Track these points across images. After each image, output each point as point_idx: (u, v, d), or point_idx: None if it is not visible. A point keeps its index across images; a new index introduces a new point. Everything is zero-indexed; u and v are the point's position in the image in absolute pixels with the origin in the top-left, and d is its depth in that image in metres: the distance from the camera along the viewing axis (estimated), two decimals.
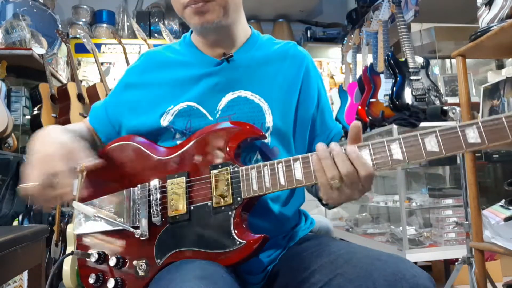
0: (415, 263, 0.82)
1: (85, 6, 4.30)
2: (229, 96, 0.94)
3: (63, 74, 3.50)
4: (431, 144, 0.69)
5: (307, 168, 0.76)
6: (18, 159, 2.60)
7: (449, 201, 2.40)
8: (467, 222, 1.74)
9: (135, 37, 3.92)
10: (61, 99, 2.90)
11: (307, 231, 1.01)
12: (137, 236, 0.85)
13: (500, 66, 3.19)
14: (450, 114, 1.67)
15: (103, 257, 0.89)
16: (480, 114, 1.94)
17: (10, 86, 2.74)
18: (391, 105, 2.44)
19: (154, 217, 0.86)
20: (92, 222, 0.93)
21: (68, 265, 2.37)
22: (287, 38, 4.46)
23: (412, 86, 2.41)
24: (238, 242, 0.78)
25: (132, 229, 0.86)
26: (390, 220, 3.01)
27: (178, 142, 0.93)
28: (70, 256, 1.69)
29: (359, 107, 2.85)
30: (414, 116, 2.38)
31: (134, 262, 0.85)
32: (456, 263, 1.79)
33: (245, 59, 0.97)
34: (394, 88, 2.45)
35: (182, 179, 0.85)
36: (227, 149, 0.84)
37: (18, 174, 2.56)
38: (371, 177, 0.71)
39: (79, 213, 0.95)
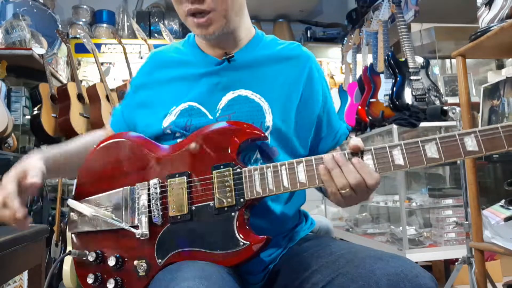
0: (416, 263, 0.83)
1: (85, 6, 4.30)
2: (230, 95, 0.94)
3: (63, 74, 3.50)
4: (432, 151, 0.72)
5: (311, 172, 0.77)
6: (18, 159, 2.60)
7: (449, 201, 2.40)
8: (467, 222, 1.74)
9: (135, 37, 3.92)
10: (61, 99, 2.90)
11: (308, 231, 1.01)
12: (137, 237, 0.85)
13: (500, 66, 3.19)
14: (450, 114, 1.67)
15: (101, 257, 0.87)
16: (480, 114, 1.94)
17: (10, 86, 2.75)
18: (391, 105, 2.44)
19: (154, 217, 0.85)
20: (89, 221, 0.91)
21: (68, 265, 2.37)
22: (287, 38, 4.46)
23: (412, 86, 2.41)
24: (241, 243, 0.78)
25: (132, 229, 0.85)
26: (390, 220, 3.01)
27: (178, 140, 0.93)
28: (70, 256, 1.69)
29: (359, 107, 2.85)
30: (414, 116, 2.38)
31: (135, 262, 0.84)
32: (456, 263, 1.79)
33: (246, 59, 0.98)
34: (394, 88, 2.45)
35: (183, 179, 0.84)
36: (229, 149, 0.83)
37: None
38: (378, 183, 0.75)
39: (73, 212, 0.93)
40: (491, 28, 1.56)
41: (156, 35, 4.22)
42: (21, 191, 0.82)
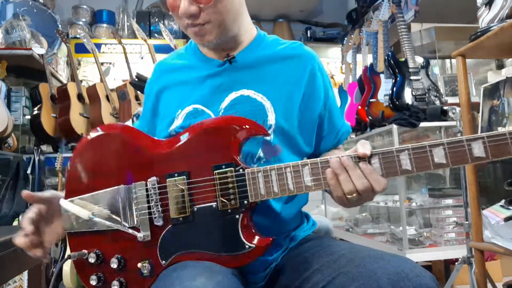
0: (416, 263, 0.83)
1: (85, 6, 4.30)
2: (232, 96, 0.95)
3: (63, 74, 3.50)
4: (439, 156, 0.71)
5: (317, 175, 0.76)
6: (18, 159, 2.61)
7: (449, 201, 2.40)
8: (467, 222, 1.74)
9: (135, 37, 3.92)
10: (61, 99, 2.90)
11: (309, 232, 1.01)
12: (140, 240, 0.82)
13: (500, 66, 3.19)
14: (450, 114, 1.67)
15: (102, 257, 0.85)
16: (480, 114, 1.94)
17: (10, 86, 2.75)
18: (391, 105, 2.44)
19: (155, 218, 0.82)
20: (85, 221, 0.86)
21: (68, 265, 2.37)
22: (287, 38, 4.46)
23: (412, 86, 2.41)
24: (247, 246, 0.78)
25: (134, 233, 0.82)
26: (390, 220, 3.01)
27: None
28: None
29: (359, 107, 2.85)
30: (414, 116, 2.38)
31: (139, 265, 0.82)
32: (456, 263, 1.79)
33: (248, 59, 0.99)
34: (394, 88, 2.45)
35: (183, 179, 0.82)
36: (230, 148, 0.81)
37: (18, 174, 2.57)
38: (385, 189, 0.75)
39: (66, 212, 0.87)
40: (491, 28, 1.56)
41: (156, 35, 4.22)
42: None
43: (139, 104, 3.04)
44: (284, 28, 4.78)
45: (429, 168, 0.71)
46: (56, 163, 2.67)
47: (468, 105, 1.71)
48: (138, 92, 3.00)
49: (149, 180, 0.84)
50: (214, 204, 0.80)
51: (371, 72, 2.83)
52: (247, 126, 0.83)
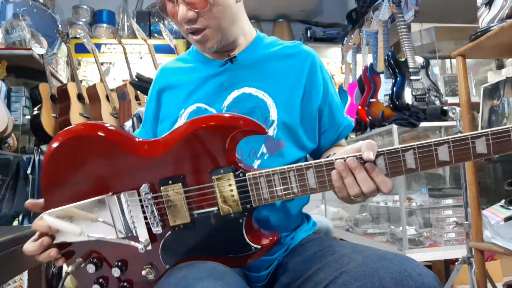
0: None
1: (85, 6, 4.30)
2: (234, 94, 0.97)
3: (63, 74, 3.50)
4: (443, 154, 0.71)
5: (321, 177, 0.74)
6: (18, 159, 2.60)
7: (449, 201, 2.40)
8: (467, 222, 1.74)
9: (135, 37, 3.92)
10: (61, 99, 2.90)
11: (310, 232, 1.02)
12: (141, 251, 0.78)
13: (500, 66, 3.19)
14: (450, 114, 1.67)
15: (100, 266, 0.81)
16: (480, 114, 1.94)
17: (10, 86, 2.75)
18: (391, 105, 2.44)
19: (153, 227, 0.78)
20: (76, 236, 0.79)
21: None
22: (287, 38, 4.47)
23: (412, 86, 2.41)
24: (253, 248, 0.78)
25: (135, 244, 0.78)
26: (390, 220, 3.01)
27: None
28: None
29: (359, 107, 2.85)
30: (414, 116, 2.38)
31: (143, 272, 0.80)
32: (456, 263, 1.79)
33: (249, 58, 1.01)
34: (394, 88, 2.45)
35: (179, 186, 0.77)
36: (227, 151, 0.76)
37: (18, 174, 2.56)
38: (391, 190, 0.74)
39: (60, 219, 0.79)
40: (491, 28, 1.56)
41: (156, 35, 4.22)
42: None
43: (139, 104, 3.04)
44: (284, 28, 4.78)
45: (433, 166, 0.71)
46: None
47: (468, 105, 1.71)
48: (138, 92, 3.00)
49: (141, 188, 0.77)
50: (215, 209, 0.77)
51: (371, 72, 2.83)
52: (241, 125, 0.76)
